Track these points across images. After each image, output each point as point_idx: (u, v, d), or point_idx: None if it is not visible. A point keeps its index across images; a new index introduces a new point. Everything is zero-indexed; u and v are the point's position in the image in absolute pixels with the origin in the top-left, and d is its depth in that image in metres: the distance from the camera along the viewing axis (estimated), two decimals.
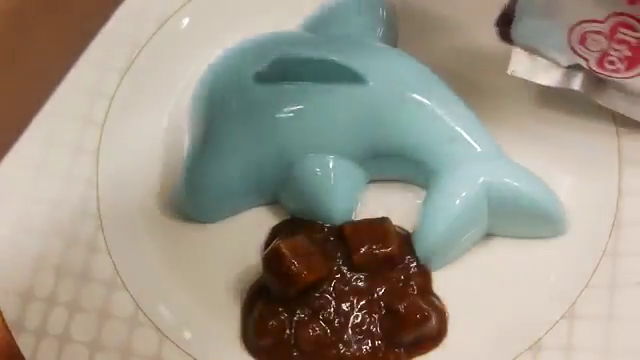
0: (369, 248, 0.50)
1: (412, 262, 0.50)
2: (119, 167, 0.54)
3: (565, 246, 0.50)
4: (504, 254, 0.50)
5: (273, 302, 0.49)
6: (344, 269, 0.50)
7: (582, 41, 0.48)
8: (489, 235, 0.51)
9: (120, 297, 0.50)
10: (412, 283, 0.50)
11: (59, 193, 0.53)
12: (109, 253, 0.52)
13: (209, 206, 0.52)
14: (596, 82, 0.51)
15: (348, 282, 0.50)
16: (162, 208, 0.53)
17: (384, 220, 0.51)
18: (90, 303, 0.50)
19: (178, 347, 0.49)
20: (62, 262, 0.51)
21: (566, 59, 0.50)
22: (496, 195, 0.49)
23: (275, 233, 0.52)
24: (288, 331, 0.49)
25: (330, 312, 0.49)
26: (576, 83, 0.51)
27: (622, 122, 0.52)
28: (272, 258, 0.48)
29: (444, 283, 0.50)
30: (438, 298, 0.50)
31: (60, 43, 0.38)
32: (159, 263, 0.52)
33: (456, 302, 0.50)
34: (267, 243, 0.51)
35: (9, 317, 0.49)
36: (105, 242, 0.52)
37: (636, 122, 0.51)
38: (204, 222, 0.53)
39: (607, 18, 0.47)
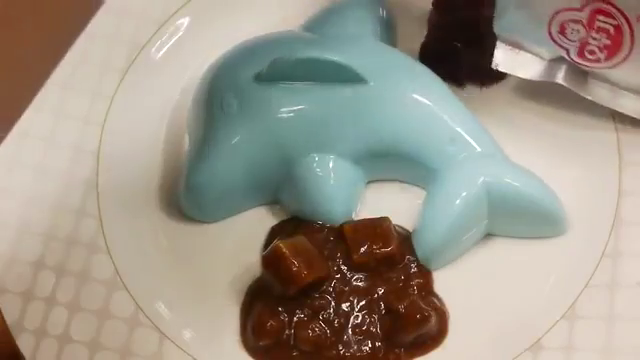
0: (369, 248, 0.50)
1: (412, 262, 0.50)
2: (119, 167, 0.54)
3: (565, 246, 0.50)
4: (504, 254, 0.50)
5: (272, 302, 0.49)
6: (344, 269, 0.50)
7: (562, 31, 0.49)
8: (489, 235, 0.51)
9: (120, 297, 0.50)
10: (412, 283, 0.50)
11: (59, 193, 0.53)
12: (109, 253, 0.52)
13: (209, 206, 0.52)
14: (579, 74, 0.51)
15: (348, 282, 0.50)
16: (162, 208, 0.53)
17: (384, 220, 0.51)
18: (90, 303, 0.50)
19: (178, 347, 0.49)
20: (62, 262, 0.51)
21: (548, 51, 0.51)
22: (496, 195, 0.49)
23: (275, 233, 0.52)
24: (287, 331, 0.49)
25: (330, 313, 0.49)
26: (559, 76, 0.51)
27: (622, 122, 0.52)
28: (272, 258, 0.48)
29: (444, 283, 0.50)
30: (439, 298, 0.50)
31: (45, 40, 0.39)
32: (159, 263, 0.52)
33: (456, 302, 0.50)
34: (267, 243, 0.51)
35: (9, 317, 0.49)
36: (105, 242, 0.52)
37: (636, 122, 0.51)
38: (204, 222, 0.53)
39: (585, 6, 0.47)
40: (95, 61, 0.55)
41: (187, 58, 0.57)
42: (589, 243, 0.50)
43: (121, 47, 0.56)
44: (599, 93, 0.51)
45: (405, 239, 0.51)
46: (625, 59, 0.49)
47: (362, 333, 0.49)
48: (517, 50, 0.51)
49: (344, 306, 0.49)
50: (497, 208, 0.49)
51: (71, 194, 0.53)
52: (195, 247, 0.52)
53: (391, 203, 0.52)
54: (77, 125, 0.54)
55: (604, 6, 0.47)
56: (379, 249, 0.50)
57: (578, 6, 0.48)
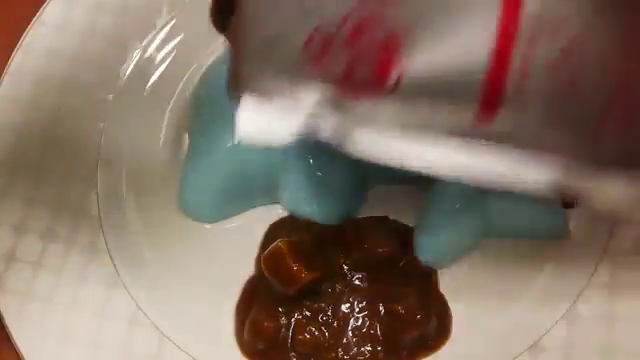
0: (370, 247, 0.50)
1: (413, 262, 0.50)
2: (119, 167, 0.54)
3: (565, 246, 0.50)
4: (504, 254, 0.50)
5: (269, 303, 0.49)
6: (344, 269, 0.50)
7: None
8: (489, 235, 0.51)
9: (120, 297, 0.51)
10: (413, 283, 0.50)
11: (59, 193, 0.53)
12: (109, 253, 0.52)
13: (209, 206, 0.52)
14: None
15: (348, 282, 0.50)
16: (162, 208, 0.53)
17: (384, 219, 0.51)
18: (90, 303, 0.50)
19: (178, 347, 0.49)
20: (62, 262, 0.51)
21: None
22: (496, 195, 0.49)
23: (274, 233, 0.52)
24: (284, 333, 0.48)
25: (329, 314, 0.49)
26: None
27: None
28: (272, 258, 0.48)
29: (444, 284, 0.50)
30: (440, 298, 0.50)
31: None
32: (159, 263, 0.52)
33: (456, 303, 0.50)
34: (265, 243, 0.51)
35: (9, 317, 0.49)
36: (105, 242, 0.52)
37: None
38: (203, 222, 0.53)
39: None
40: (95, 61, 0.55)
41: (187, 58, 0.57)
42: (589, 243, 0.50)
43: (121, 47, 0.56)
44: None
45: (405, 238, 0.51)
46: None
47: (362, 335, 0.49)
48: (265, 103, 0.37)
49: (344, 307, 0.49)
50: (497, 208, 0.49)
51: (71, 193, 0.53)
52: (194, 247, 0.52)
53: (391, 203, 0.52)
54: (77, 125, 0.54)
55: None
56: (379, 248, 0.50)
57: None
